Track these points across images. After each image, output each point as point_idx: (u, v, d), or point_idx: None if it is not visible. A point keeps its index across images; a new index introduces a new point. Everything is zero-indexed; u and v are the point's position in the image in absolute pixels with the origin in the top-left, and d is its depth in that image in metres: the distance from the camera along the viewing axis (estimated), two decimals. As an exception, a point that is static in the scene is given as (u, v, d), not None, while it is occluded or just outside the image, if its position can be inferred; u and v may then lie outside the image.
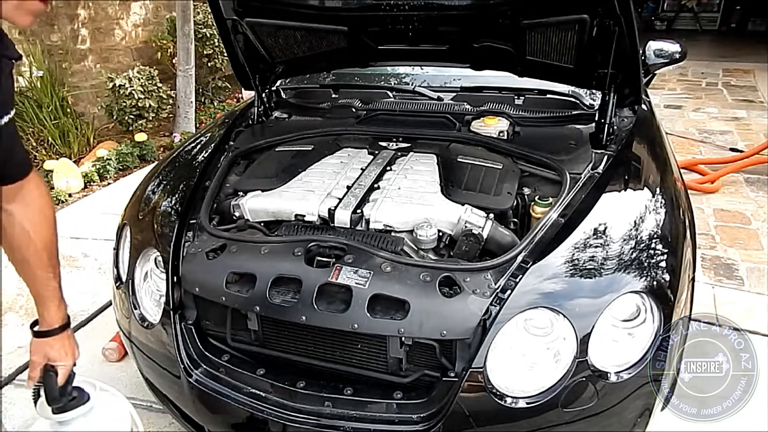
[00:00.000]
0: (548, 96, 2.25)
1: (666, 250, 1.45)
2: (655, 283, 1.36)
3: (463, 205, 1.57)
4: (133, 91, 4.86)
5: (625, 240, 1.41)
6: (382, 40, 2.16)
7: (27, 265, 1.17)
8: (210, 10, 2.20)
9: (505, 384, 1.28)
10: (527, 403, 1.27)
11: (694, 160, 4.24)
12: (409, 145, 1.98)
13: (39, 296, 1.20)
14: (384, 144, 2.00)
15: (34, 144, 4.65)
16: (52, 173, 4.19)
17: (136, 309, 1.63)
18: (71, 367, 1.23)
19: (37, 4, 0.79)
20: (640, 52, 1.94)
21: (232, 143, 2.13)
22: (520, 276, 1.33)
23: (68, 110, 4.90)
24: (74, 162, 4.54)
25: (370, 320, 1.30)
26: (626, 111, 2.08)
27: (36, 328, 1.22)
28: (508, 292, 1.30)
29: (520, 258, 1.38)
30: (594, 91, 2.19)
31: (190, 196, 1.77)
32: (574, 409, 1.29)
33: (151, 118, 5.10)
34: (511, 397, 1.28)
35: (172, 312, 1.53)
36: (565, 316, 1.27)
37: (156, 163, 2.40)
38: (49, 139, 4.69)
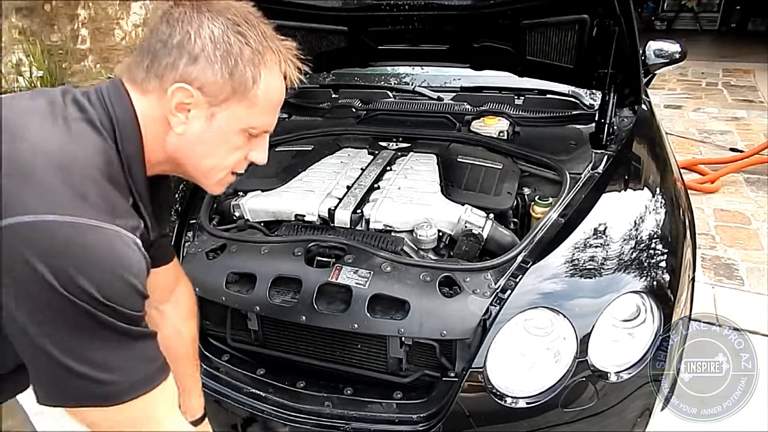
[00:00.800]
0: (548, 96, 2.25)
1: (666, 250, 1.45)
2: (655, 283, 1.36)
3: (463, 205, 1.57)
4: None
5: (625, 240, 1.41)
6: (382, 40, 2.16)
7: (173, 358, 1.19)
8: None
9: (505, 384, 1.28)
10: (527, 403, 1.27)
11: (694, 160, 4.23)
12: (409, 145, 1.98)
13: (183, 387, 1.22)
14: (384, 144, 2.00)
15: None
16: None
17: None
18: None
19: (232, 178, 0.89)
20: (640, 52, 1.94)
21: (232, 143, 2.12)
22: (520, 276, 1.33)
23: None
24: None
25: (370, 320, 1.30)
26: (626, 111, 2.07)
27: None
28: (508, 292, 1.30)
29: (520, 258, 1.38)
30: (594, 91, 2.19)
31: (190, 196, 1.77)
32: (574, 409, 1.28)
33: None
34: (511, 397, 1.28)
35: (172, 312, 1.53)
36: (565, 316, 1.27)
37: (156, 163, 2.40)
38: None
